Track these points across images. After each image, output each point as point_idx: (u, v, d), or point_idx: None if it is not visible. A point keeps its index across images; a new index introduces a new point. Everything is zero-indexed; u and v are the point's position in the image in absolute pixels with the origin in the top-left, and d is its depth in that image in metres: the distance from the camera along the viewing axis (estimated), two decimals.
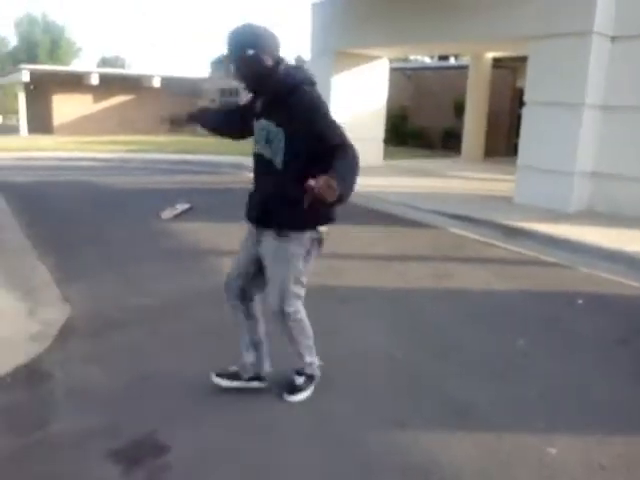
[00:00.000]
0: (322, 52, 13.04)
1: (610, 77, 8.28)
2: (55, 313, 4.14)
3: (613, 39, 8.20)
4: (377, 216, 8.21)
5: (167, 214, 7.41)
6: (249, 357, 3.03)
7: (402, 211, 8.41)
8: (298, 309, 2.92)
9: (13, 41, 46.78)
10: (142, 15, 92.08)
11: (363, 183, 11.78)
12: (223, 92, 26.93)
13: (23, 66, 24.46)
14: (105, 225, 7.25)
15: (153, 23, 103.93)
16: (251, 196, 2.85)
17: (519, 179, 9.06)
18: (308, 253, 2.81)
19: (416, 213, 8.26)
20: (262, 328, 3.05)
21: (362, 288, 4.93)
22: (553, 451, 2.62)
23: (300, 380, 3.02)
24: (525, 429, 2.81)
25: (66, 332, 3.81)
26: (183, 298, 4.50)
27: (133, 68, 50.45)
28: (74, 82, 25.20)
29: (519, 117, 9.22)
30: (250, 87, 2.72)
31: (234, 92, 23.47)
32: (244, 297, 2.94)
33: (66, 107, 25.68)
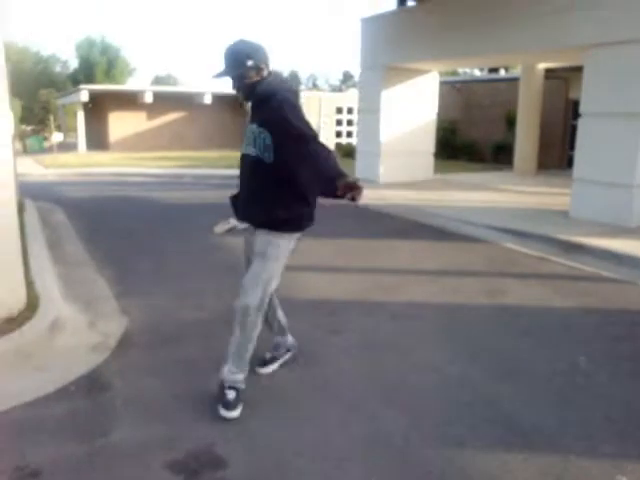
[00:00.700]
0: (371, 67, 13.09)
1: None
2: (114, 325, 4.24)
3: None
4: (429, 231, 8.12)
5: (220, 228, 7.52)
6: (276, 338, 3.46)
7: (454, 225, 8.29)
8: (262, 308, 3.00)
9: (74, 63, 48.87)
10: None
11: (414, 197, 11.78)
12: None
13: (82, 86, 25.51)
14: (160, 239, 7.43)
15: (203, 40, 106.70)
16: (238, 199, 3.14)
17: (575, 192, 8.80)
18: (285, 256, 3.02)
19: (468, 228, 8.13)
20: (279, 311, 3.42)
21: (414, 304, 4.87)
22: (623, 479, 2.50)
23: (232, 395, 2.99)
24: (592, 454, 2.69)
25: (124, 344, 3.90)
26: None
27: (185, 85, 51.85)
28: (129, 100, 26.08)
29: (573, 129, 9.01)
30: (246, 96, 2.95)
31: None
32: None
33: (121, 124, 26.60)
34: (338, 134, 25.70)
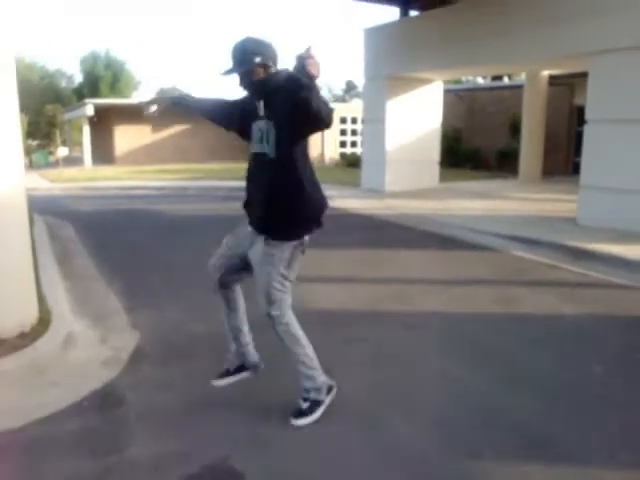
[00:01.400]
0: (376, 77, 13.15)
1: None
2: (125, 340, 4.24)
3: None
4: (436, 239, 8.11)
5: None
6: (232, 346, 3.31)
7: (461, 234, 8.28)
8: (284, 314, 2.97)
9: (79, 78, 49.26)
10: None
11: (420, 206, 11.76)
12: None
13: (88, 100, 25.69)
14: (168, 252, 7.44)
15: (207, 53, 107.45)
16: (248, 205, 3.09)
17: (582, 199, 8.78)
18: (292, 259, 2.95)
19: (476, 236, 8.11)
20: (242, 319, 3.28)
21: (425, 313, 4.85)
22: None
23: (305, 405, 3.01)
24: (610, 464, 2.66)
25: (136, 358, 3.90)
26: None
27: None
28: (134, 114, 26.17)
29: (577, 135, 8.99)
30: (253, 92, 2.91)
31: None
32: (222, 284, 3.19)
33: (126, 138, 26.73)
34: (342, 144, 25.76)
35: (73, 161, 27.85)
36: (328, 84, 61.48)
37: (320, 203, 2.98)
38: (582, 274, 6.16)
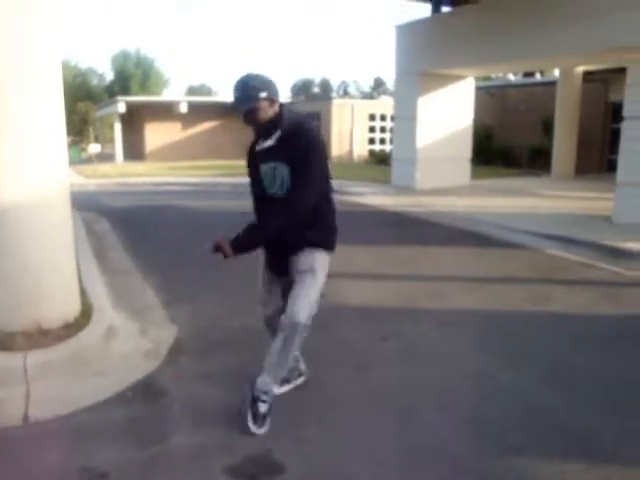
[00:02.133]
0: (407, 73, 13.09)
1: None
2: (164, 333, 4.33)
3: None
4: (470, 237, 8.06)
5: None
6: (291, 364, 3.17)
7: (494, 232, 8.21)
8: (308, 326, 2.94)
9: (109, 76, 50.15)
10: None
11: (452, 203, 11.72)
12: (307, 116, 27.50)
13: (119, 98, 26.10)
14: (202, 248, 7.52)
15: (236, 49, 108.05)
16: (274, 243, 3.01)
17: (619, 197, 8.63)
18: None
19: (509, 234, 8.04)
20: None
21: (459, 311, 4.84)
22: None
23: (264, 408, 2.93)
24: None
25: (175, 351, 3.99)
26: None
27: (219, 95, 52.62)
28: (165, 111, 26.56)
29: (613, 132, 8.83)
30: (259, 129, 2.88)
31: (316, 116, 23.94)
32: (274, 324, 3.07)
33: (157, 135, 27.09)
34: (371, 141, 25.69)
35: (105, 157, 28.33)
36: (356, 81, 61.34)
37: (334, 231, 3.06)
38: (618, 273, 6.06)
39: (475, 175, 14.33)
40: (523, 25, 10.25)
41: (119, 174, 18.69)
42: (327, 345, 3.97)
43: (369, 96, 55.42)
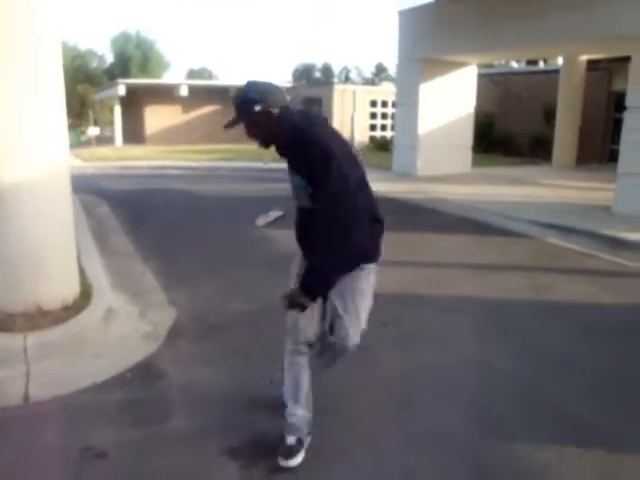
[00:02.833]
0: (409, 60, 13.00)
1: None
2: (163, 315, 4.34)
3: None
4: (469, 225, 8.06)
5: (261, 221, 7.56)
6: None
7: (495, 220, 8.20)
8: None
9: (109, 58, 49.73)
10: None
11: (453, 191, 11.67)
12: (308, 101, 27.37)
13: (120, 80, 25.93)
14: (201, 231, 7.53)
15: (238, 32, 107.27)
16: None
17: (620, 187, 8.61)
18: None
19: (510, 222, 8.03)
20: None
21: (461, 298, 4.85)
22: None
23: (292, 440, 2.60)
24: None
25: (174, 334, 3.99)
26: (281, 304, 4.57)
27: (220, 79, 52.27)
28: (165, 94, 26.40)
29: (615, 122, 8.79)
30: (263, 143, 2.67)
31: (318, 101, 23.80)
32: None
33: (157, 118, 26.95)
34: (372, 127, 25.58)
35: (104, 140, 28.19)
36: (358, 67, 60.96)
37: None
38: (618, 263, 6.07)
39: (476, 163, 14.29)
40: (524, 12, 10.16)
41: (118, 157, 18.61)
42: None
43: (370, 82, 55.06)
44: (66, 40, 48.11)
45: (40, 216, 3.80)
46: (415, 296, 4.86)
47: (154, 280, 5.27)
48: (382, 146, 21.43)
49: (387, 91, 24.78)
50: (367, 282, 2.66)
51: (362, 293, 2.64)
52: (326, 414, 2.94)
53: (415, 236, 7.27)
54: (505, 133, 19.47)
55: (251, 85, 2.59)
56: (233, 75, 79.43)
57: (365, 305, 2.68)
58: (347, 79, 63.98)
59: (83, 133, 30.54)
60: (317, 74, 67.36)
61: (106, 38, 76.34)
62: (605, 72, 16.67)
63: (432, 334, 4.04)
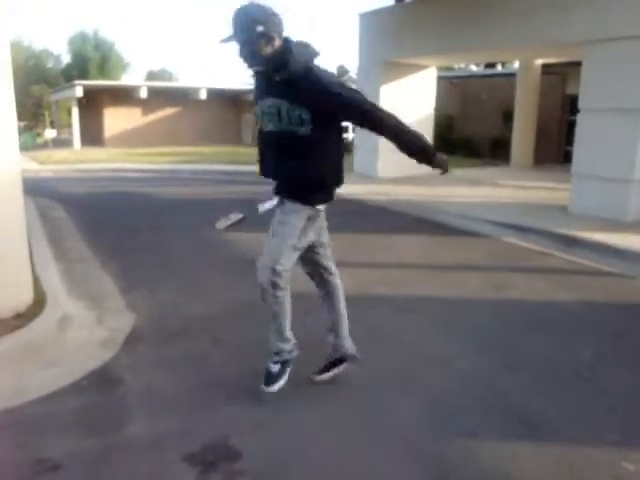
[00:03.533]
0: (370, 62, 13.11)
1: None
2: (121, 321, 4.25)
3: None
4: (429, 225, 8.17)
5: (221, 224, 7.50)
6: (330, 337, 3.24)
7: (454, 220, 8.34)
8: (286, 284, 2.91)
9: (66, 58, 48.54)
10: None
11: (413, 192, 11.74)
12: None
13: (77, 82, 25.40)
14: (162, 235, 7.43)
15: (198, 34, 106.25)
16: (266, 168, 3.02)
17: (574, 187, 8.85)
18: (305, 229, 2.94)
19: (468, 222, 8.17)
20: (339, 308, 3.24)
21: (421, 298, 4.90)
22: (631, 467, 2.54)
23: (275, 368, 3.02)
24: (599, 443, 2.73)
25: (133, 339, 3.92)
26: (241, 307, 4.53)
27: (180, 81, 51.64)
28: (124, 96, 26.01)
29: (569, 124, 9.04)
30: (255, 66, 2.73)
31: None
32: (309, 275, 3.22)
33: (116, 120, 26.53)
34: None
35: (62, 143, 27.57)
36: None
37: (338, 177, 3.02)
38: (573, 262, 6.24)
39: None
40: (482, 17, 10.36)
41: (76, 160, 18.22)
42: None
43: None
44: (19, 39, 46.87)
45: None
46: (374, 297, 4.90)
47: (112, 284, 5.17)
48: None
49: None
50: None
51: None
52: (279, 410, 2.95)
53: (375, 237, 7.32)
54: (465, 135, 19.80)
55: (254, 5, 2.63)
56: (193, 77, 78.59)
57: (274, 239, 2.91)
58: None
59: (39, 135, 29.78)
60: None
61: (62, 38, 74.66)
62: (559, 76, 17.14)
63: (391, 334, 4.07)
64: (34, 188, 11.02)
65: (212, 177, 14.05)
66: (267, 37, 2.59)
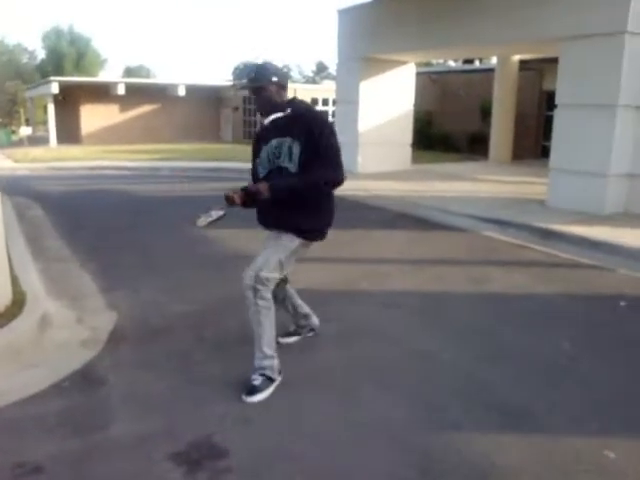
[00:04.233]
0: (349, 58, 13.11)
1: None
2: (102, 320, 4.21)
3: None
4: (410, 220, 8.21)
5: (202, 221, 7.45)
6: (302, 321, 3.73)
7: (434, 215, 8.40)
8: (268, 283, 3.11)
9: (41, 54, 47.76)
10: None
11: (393, 187, 11.82)
12: (246, 99, 27.14)
13: (52, 78, 24.99)
14: (141, 233, 7.37)
15: (176, 30, 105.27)
16: (262, 210, 3.30)
17: (552, 182, 8.97)
18: (294, 253, 3.22)
19: (448, 217, 8.24)
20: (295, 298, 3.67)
21: (402, 292, 4.93)
22: (611, 455, 2.59)
23: (258, 381, 3.09)
24: (579, 432, 2.79)
25: (115, 338, 3.88)
26: (223, 304, 4.52)
27: (158, 77, 51.11)
28: (101, 92, 25.66)
29: (547, 119, 9.16)
30: (264, 109, 3.19)
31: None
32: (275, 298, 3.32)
33: (93, 117, 26.16)
34: None
35: (37, 140, 27.15)
36: (299, 65, 61.00)
37: (330, 216, 3.32)
38: (551, 254, 6.33)
39: (416, 160, 14.57)
40: (460, 13, 10.43)
41: (53, 158, 17.94)
42: None
43: (312, 81, 55.12)
44: None
45: None
46: (356, 292, 4.92)
47: (92, 283, 5.12)
48: None
49: (328, 89, 24.93)
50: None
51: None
52: (265, 406, 2.95)
53: (356, 233, 7.34)
54: (444, 130, 19.95)
55: (268, 62, 3.24)
56: (171, 73, 77.83)
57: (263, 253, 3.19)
58: None
59: (14, 132, 29.27)
60: None
61: (36, 33, 73.27)
62: (537, 72, 17.33)
63: (374, 329, 4.10)
64: (10, 187, 10.84)
65: (191, 174, 13.95)
66: (279, 86, 3.12)
